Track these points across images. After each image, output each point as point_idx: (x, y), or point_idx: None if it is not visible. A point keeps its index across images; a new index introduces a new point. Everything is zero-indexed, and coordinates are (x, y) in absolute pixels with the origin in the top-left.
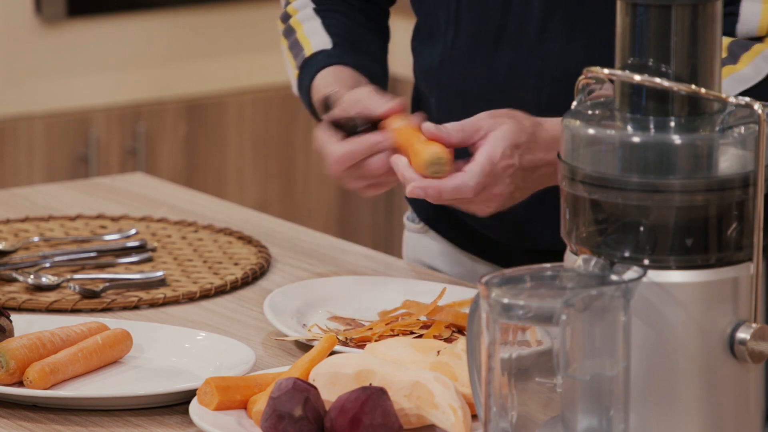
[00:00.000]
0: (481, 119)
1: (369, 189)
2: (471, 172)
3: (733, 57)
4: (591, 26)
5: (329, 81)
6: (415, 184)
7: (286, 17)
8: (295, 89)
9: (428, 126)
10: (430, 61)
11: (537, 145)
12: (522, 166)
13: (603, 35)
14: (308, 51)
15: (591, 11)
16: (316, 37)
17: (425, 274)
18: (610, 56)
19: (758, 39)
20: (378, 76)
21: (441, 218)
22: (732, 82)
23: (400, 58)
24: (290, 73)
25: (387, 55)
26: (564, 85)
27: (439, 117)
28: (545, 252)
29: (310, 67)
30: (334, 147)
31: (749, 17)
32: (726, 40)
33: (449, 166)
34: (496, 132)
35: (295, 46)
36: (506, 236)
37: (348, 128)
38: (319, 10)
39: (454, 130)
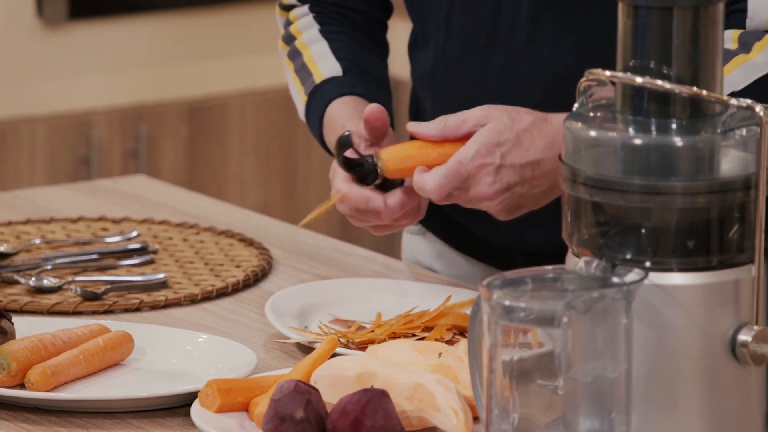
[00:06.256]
0: (472, 113)
1: (375, 230)
2: (434, 174)
3: (745, 47)
4: (580, 27)
5: (346, 113)
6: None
7: (290, 38)
8: (302, 115)
9: (410, 125)
10: (424, 65)
11: (532, 140)
12: (510, 164)
13: (592, 37)
14: (317, 77)
15: (579, 12)
16: (324, 63)
17: (426, 276)
18: (599, 57)
19: None
20: (385, 102)
21: (438, 220)
22: (745, 71)
23: (400, 61)
24: (297, 98)
25: (387, 73)
26: (554, 87)
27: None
28: (542, 254)
29: (322, 94)
30: (343, 185)
31: (757, 12)
32: (735, 33)
33: None
34: (477, 132)
35: (302, 70)
36: (502, 238)
37: (359, 173)
38: (324, 32)
39: (434, 125)
